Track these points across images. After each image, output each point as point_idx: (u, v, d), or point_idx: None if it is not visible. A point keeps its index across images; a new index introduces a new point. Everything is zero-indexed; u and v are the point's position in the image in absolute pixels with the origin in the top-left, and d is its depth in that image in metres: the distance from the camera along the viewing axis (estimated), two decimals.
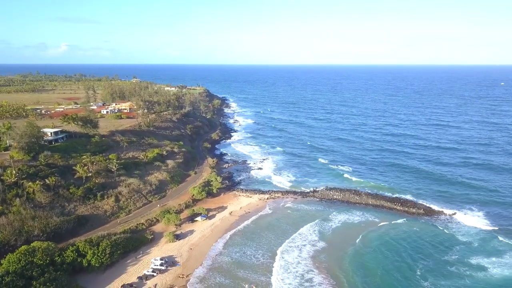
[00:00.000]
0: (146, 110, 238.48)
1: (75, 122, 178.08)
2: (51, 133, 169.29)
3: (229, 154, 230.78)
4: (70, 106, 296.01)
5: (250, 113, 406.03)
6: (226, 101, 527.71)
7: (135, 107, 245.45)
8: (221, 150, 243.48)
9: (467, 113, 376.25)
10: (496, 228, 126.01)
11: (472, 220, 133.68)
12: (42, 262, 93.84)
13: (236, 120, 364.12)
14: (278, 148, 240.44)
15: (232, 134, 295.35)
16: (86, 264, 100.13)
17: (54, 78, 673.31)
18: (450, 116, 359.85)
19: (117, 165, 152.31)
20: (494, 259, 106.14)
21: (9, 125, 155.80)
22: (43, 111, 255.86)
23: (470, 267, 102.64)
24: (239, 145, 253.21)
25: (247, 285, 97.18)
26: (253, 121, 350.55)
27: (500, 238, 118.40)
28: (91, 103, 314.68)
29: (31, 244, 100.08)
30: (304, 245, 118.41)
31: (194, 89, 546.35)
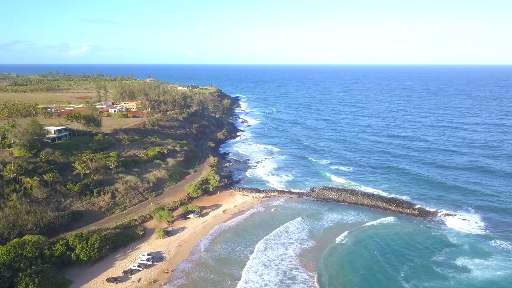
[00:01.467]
0: (151, 109, 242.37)
1: (78, 121, 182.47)
2: (54, 131, 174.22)
3: (232, 153, 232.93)
4: (81, 105, 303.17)
5: (259, 113, 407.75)
6: (237, 101, 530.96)
7: (140, 106, 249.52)
8: (225, 149, 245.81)
9: (480, 115, 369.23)
10: (488, 232, 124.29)
11: (465, 223, 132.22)
12: (31, 254, 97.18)
13: (244, 120, 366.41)
14: (281, 149, 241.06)
15: (238, 133, 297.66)
16: (75, 258, 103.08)
17: (71, 78, 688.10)
18: (462, 118, 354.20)
19: (115, 162, 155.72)
20: (480, 261, 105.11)
21: (13, 123, 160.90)
22: (53, 110, 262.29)
23: (455, 268, 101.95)
24: (243, 145, 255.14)
25: (230, 281, 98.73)
26: (261, 121, 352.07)
27: (490, 242, 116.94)
28: (102, 102, 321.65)
29: (23, 237, 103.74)
30: (292, 243, 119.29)
31: (206, 88, 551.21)
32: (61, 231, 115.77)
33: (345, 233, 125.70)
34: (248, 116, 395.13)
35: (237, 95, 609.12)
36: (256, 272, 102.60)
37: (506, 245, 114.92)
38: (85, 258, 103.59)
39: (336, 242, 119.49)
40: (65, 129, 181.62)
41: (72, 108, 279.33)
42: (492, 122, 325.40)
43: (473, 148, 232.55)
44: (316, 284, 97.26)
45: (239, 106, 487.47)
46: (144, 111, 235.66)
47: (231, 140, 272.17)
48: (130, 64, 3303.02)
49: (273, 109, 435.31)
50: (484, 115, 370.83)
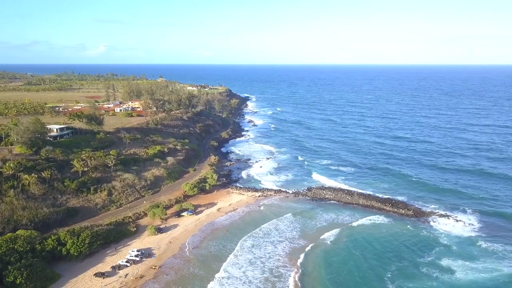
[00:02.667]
0: (155, 108, 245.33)
1: (80, 119, 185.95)
2: (57, 129, 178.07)
3: (234, 153, 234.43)
4: (88, 105, 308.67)
5: (266, 113, 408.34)
6: (246, 101, 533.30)
7: (144, 105, 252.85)
8: (228, 148, 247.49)
9: (491, 116, 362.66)
10: (481, 234, 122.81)
11: (459, 225, 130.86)
12: (22, 249, 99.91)
13: (250, 120, 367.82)
14: (283, 149, 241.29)
15: (243, 133, 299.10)
16: (65, 253, 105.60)
17: (84, 78, 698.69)
18: (471, 119, 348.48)
19: (114, 160, 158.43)
20: (466, 263, 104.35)
21: (16, 121, 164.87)
22: (60, 109, 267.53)
23: (440, 269, 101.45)
24: (246, 145, 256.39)
25: (216, 277, 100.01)
26: (267, 122, 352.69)
27: (481, 244, 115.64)
28: (110, 102, 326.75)
29: (16, 232, 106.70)
30: (281, 241, 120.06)
31: (216, 88, 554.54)
32: (56, 227, 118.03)
33: (336, 232, 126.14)
34: (255, 116, 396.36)
35: (247, 95, 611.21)
36: (240, 269, 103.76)
37: (497, 247, 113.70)
38: (75, 253, 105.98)
39: (326, 241, 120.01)
40: (68, 128, 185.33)
41: (80, 107, 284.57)
42: (502, 124, 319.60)
43: (477, 150, 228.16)
44: (298, 282, 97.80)
45: (247, 106, 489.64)
46: (148, 110, 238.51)
47: (235, 140, 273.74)
48: (145, 64, 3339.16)
49: (281, 109, 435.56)
50: (494, 116, 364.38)
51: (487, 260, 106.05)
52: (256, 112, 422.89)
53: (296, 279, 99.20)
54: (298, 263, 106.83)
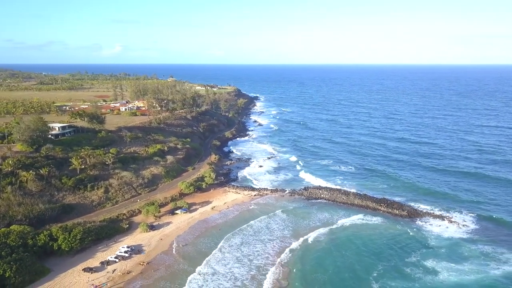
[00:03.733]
0: (159, 108, 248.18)
1: (82, 118, 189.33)
2: (58, 127, 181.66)
3: (236, 152, 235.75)
4: (97, 103, 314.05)
5: (273, 113, 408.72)
6: (254, 101, 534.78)
7: (147, 105, 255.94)
8: (230, 148, 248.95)
9: (502, 118, 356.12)
10: (473, 237, 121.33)
11: (452, 227, 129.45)
12: (14, 243, 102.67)
13: (256, 120, 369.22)
14: (285, 149, 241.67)
15: (248, 133, 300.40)
16: (57, 248, 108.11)
17: (96, 77, 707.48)
18: (480, 120, 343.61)
19: (112, 158, 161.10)
20: (452, 265, 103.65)
21: (18, 120, 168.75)
22: (67, 108, 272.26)
23: (424, 270, 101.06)
24: (248, 144, 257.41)
25: (202, 273, 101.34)
26: (272, 121, 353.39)
27: (471, 246, 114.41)
28: (118, 101, 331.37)
29: (10, 227, 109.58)
30: (272, 240, 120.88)
31: (224, 88, 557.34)
32: (51, 223, 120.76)
33: (327, 231, 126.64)
34: (261, 116, 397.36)
35: (256, 94, 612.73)
36: (226, 265, 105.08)
37: (487, 250, 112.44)
38: (66, 249, 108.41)
39: (315, 240, 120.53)
40: (70, 126, 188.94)
41: (86, 106, 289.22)
42: (510, 126, 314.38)
43: (481, 153, 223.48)
44: (285, 280, 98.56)
45: (255, 105, 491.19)
46: (151, 109, 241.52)
47: (238, 139, 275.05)
48: (159, 64, 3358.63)
49: (287, 110, 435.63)
50: (506, 118, 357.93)
51: (474, 262, 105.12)
52: (262, 112, 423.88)
53: (281, 276, 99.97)
54: (285, 261, 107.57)
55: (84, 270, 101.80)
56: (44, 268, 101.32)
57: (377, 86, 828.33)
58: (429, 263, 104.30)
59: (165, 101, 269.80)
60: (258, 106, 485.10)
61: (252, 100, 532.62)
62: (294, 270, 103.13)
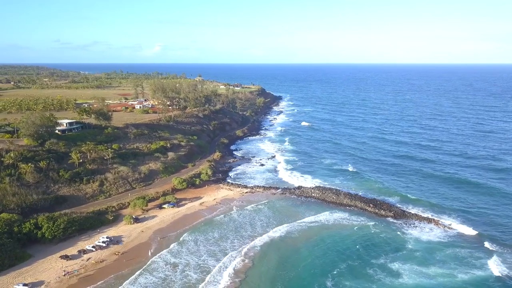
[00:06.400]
0: (172, 106, 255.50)
1: (88, 115, 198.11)
2: (66, 123, 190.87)
3: (242, 150, 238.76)
4: (117, 101, 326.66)
5: (292, 112, 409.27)
6: (278, 100, 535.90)
7: (156, 103, 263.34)
8: (238, 146, 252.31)
9: None
10: (454, 241, 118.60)
11: (437, 230, 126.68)
12: (0, 230, 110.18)
13: (274, 119, 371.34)
14: (292, 148, 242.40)
15: (260, 131, 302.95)
16: (41, 236, 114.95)
17: (127, 76, 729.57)
18: (506, 122, 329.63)
19: (112, 153, 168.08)
20: (418, 267, 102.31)
21: (27, 116, 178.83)
22: (86, 105, 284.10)
23: (387, 272, 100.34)
24: (257, 143, 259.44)
25: (171, 264, 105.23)
26: (288, 121, 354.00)
27: (447, 250, 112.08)
28: (138, 99, 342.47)
29: (0, 215, 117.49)
30: (250, 235, 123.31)
31: (248, 87, 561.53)
32: (43, 213, 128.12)
33: (303, 228, 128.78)
34: (280, 115, 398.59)
35: (281, 94, 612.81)
36: (200, 258, 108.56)
37: (463, 255, 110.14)
38: (49, 237, 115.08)
39: (288, 237, 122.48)
40: (77, 122, 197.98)
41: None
42: None
43: (486, 159, 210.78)
44: (243, 274, 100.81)
45: (278, 105, 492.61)
46: (161, 107, 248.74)
47: (249, 138, 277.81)
48: (197, 64, 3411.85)
49: (307, 109, 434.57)
50: None
51: (444, 267, 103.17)
52: (282, 112, 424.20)
53: (240, 268, 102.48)
54: (252, 257, 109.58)
55: (61, 257, 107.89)
56: (25, 254, 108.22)
57: (407, 87, 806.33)
58: (395, 265, 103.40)
59: (176, 100, 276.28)
60: (280, 105, 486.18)
61: (275, 99, 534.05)
62: (256, 264, 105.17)
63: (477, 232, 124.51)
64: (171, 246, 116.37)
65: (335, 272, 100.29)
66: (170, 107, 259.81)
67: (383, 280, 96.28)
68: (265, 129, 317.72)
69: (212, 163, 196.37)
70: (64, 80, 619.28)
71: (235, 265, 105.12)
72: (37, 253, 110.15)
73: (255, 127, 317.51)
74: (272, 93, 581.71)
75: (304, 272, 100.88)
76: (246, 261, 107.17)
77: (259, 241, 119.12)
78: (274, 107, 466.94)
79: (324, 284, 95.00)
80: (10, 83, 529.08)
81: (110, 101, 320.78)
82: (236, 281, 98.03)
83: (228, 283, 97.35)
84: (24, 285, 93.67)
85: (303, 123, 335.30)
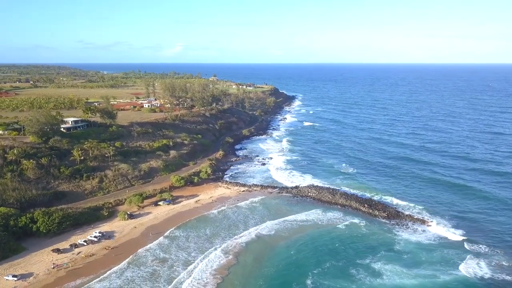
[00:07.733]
0: (176, 105, 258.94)
1: (93, 113, 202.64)
2: (71, 121, 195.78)
3: (246, 150, 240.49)
4: (127, 100, 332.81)
5: (302, 113, 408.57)
6: (290, 100, 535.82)
7: (163, 102, 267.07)
8: (242, 145, 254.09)
9: None
10: (444, 242, 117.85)
11: (429, 232, 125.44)
12: None
13: (283, 119, 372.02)
14: (296, 148, 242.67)
15: (268, 131, 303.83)
16: (36, 230, 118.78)
17: (141, 76, 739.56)
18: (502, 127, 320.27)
19: (112, 151, 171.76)
20: (400, 268, 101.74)
21: (33, 114, 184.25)
22: (96, 104, 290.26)
23: (369, 272, 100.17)
24: (262, 143, 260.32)
25: (157, 260, 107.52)
26: (297, 121, 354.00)
27: (434, 252, 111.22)
28: (149, 98, 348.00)
29: None
30: (241, 232, 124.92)
31: (261, 87, 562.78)
32: (42, 207, 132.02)
33: (293, 227, 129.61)
34: (289, 115, 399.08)
35: (294, 94, 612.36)
36: (189, 254, 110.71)
37: (450, 256, 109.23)
38: (44, 231, 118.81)
39: (278, 235, 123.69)
40: (82, 120, 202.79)
41: (116, 102, 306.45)
42: None
43: (490, 162, 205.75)
44: (226, 269, 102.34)
45: (290, 105, 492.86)
46: (167, 106, 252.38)
47: (255, 137, 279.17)
48: (216, 64, 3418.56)
49: (319, 109, 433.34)
50: None
51: (428, 268, 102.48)
52: (292, 112, 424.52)
53: (224, 265, 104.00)
54: (237, 253, 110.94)
55: (53, 250, 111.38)
56: (19, 246, 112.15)
57: (424, 87, 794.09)
58: (378, 266, 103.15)
59: (182, 99, 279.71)
60: (292, 105, 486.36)
61: (288, 99, 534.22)
62: (240, 260, 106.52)
63: (467, 236, 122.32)
64: (162, 241, 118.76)
65: (316, 271, 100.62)
66: (177, 106, 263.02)
67: (363, 280, 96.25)
68: (273, 128, 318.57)
69: (213, 161, 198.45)
70: (82, 79, 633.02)
71: (219, 261, 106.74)
72: (31, 246, 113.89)
73: (262, 127, 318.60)
74: (285, 92, 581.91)
75: (286, 270, 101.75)
76: (230, 257, 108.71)
77: (246, 238, 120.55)
78: (285, 107, 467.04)
79: (303, 283, 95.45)
80: (29, 82, 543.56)
81: (121, 100, 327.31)
82: (218, 277, 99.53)
83: (211, 278, 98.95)
84: (14, 276, 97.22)
85: (311, 124, 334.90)
